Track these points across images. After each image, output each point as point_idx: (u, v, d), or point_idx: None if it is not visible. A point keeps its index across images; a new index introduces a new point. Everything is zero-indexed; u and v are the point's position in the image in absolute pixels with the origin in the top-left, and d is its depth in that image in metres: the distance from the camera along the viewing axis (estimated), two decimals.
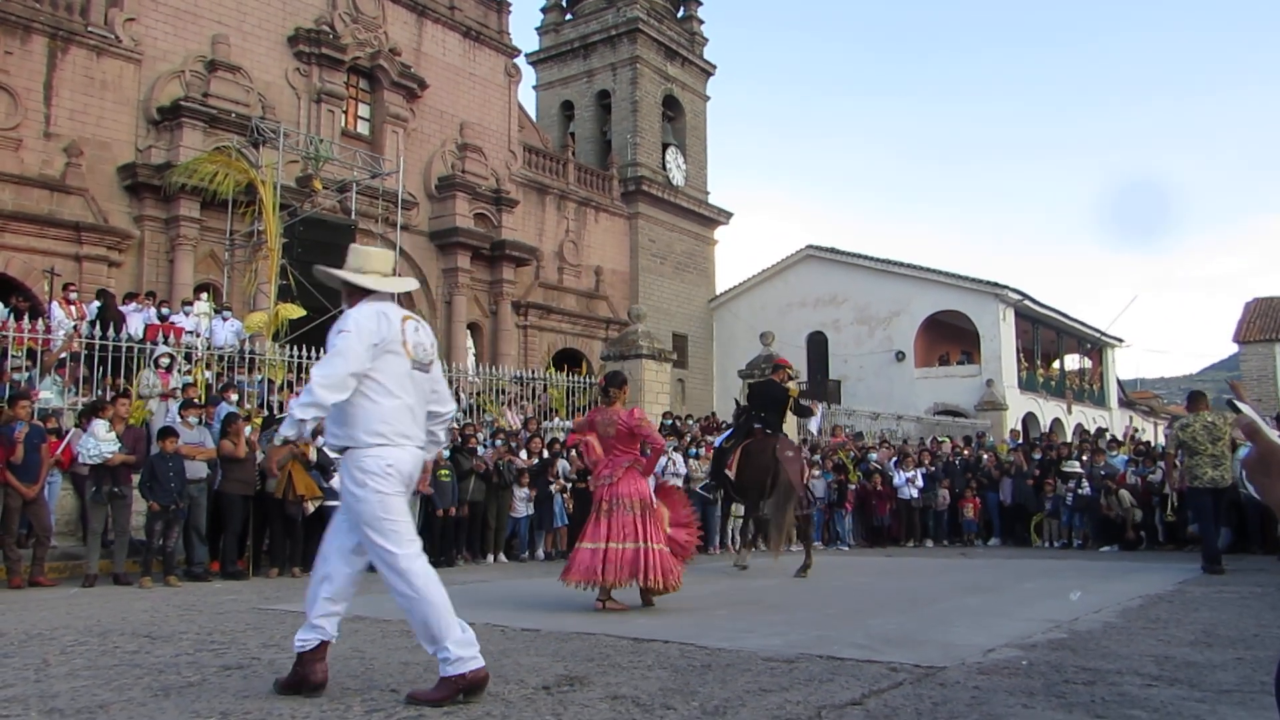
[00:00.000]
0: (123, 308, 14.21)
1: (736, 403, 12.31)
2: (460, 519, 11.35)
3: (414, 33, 24.21)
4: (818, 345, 30.89)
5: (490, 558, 11.75)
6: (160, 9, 19.24)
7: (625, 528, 6.28)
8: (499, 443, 12.37)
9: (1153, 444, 19.06)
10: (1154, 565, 10.52)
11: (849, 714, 3.34)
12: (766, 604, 6.93)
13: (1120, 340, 35.07)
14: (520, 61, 28.07)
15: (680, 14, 33.57)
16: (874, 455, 16.53)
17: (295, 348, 13.16)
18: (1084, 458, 15.26)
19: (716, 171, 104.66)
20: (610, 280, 29.00)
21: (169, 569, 8.88)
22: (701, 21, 33.70)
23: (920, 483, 15.50)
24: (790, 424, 14.27)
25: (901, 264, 30.16)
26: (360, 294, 3.80)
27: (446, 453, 11.33)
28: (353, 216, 20.75)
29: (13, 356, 11.26)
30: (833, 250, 31.65)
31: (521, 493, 12.04)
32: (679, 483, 12.98)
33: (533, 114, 31.29)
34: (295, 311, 15.40)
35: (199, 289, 18.34)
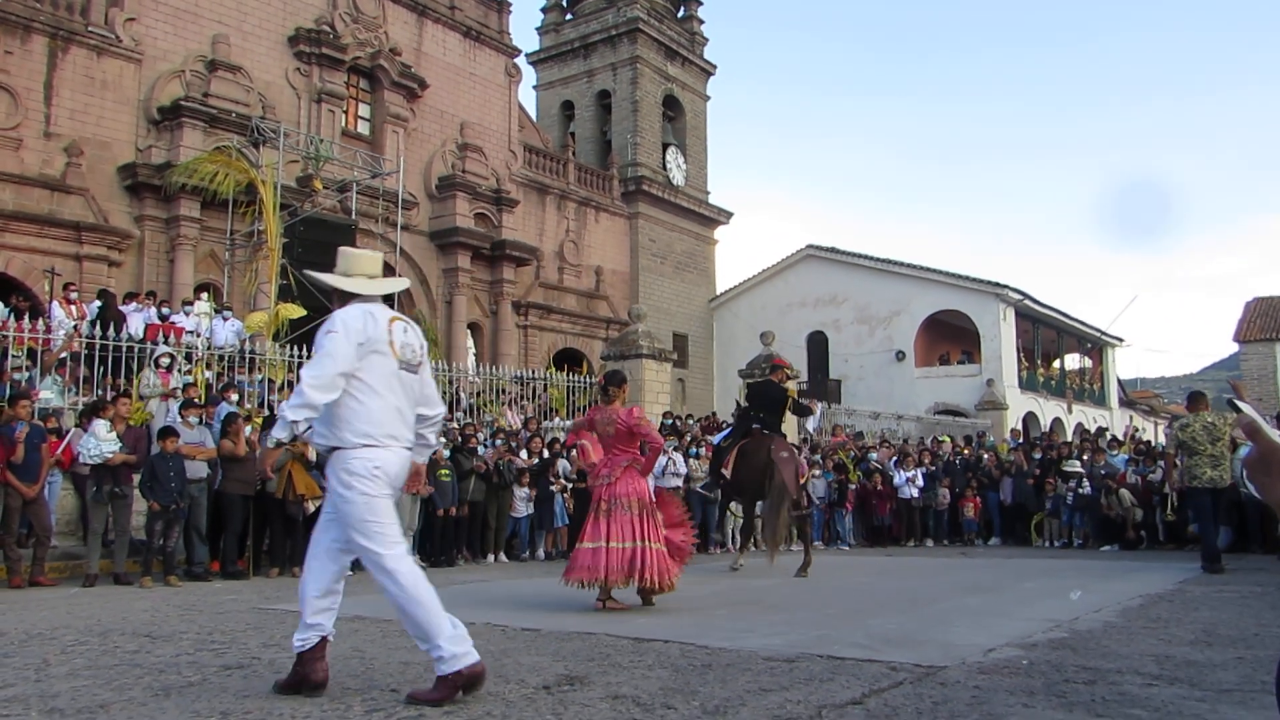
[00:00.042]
0: (123, 307, 14.21)
1: (738, 403, 12.32)
2: (460, 519, 11.35)
3: (414, 33, 24.21)
4: (818, 345, 30.89)
5: (490, 557, 11.75)
6: (160, 9, 19.24)
7: (624, 527, 6.28)
8: (499, 443, 12.37)
9: (1153, 443, 19.05)
10: (1154, 565, 10.52)
11: (849, 713, 3.34)
12: (767, 604, 6.93)
13: (1120, 340, 35.08)
14: (520, 61, 28.08)
15: (680, 14, 33.58)
16: (874, 455, 16.52)
17: (295, 348, 13.16)
18: (1084, 457, 15.25)
19: (716, 171, 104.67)
20: (610, 280, 29.00)
21: (169, 569, 8.88)
22: (701, 21, 33.70)
23: (920, 482, 15.49)
24: (790, 423, 14.28)
25: (902, 264, 30.16)
26: (349, 296, 3.83)
27: (447, 453, 11.35)
28: (353, 216, 20.76)
29: (13, 356, 11.26)
30: (833, 250, 31.65)
31: (522, 492, 12.04)
32: (679, 482, 13.02)
33: (533, 114, 31.29)
34: (295, 311, 15.40)
35: (199, 289, 18.34)
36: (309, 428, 3.69)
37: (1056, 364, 33.33)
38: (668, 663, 4.30)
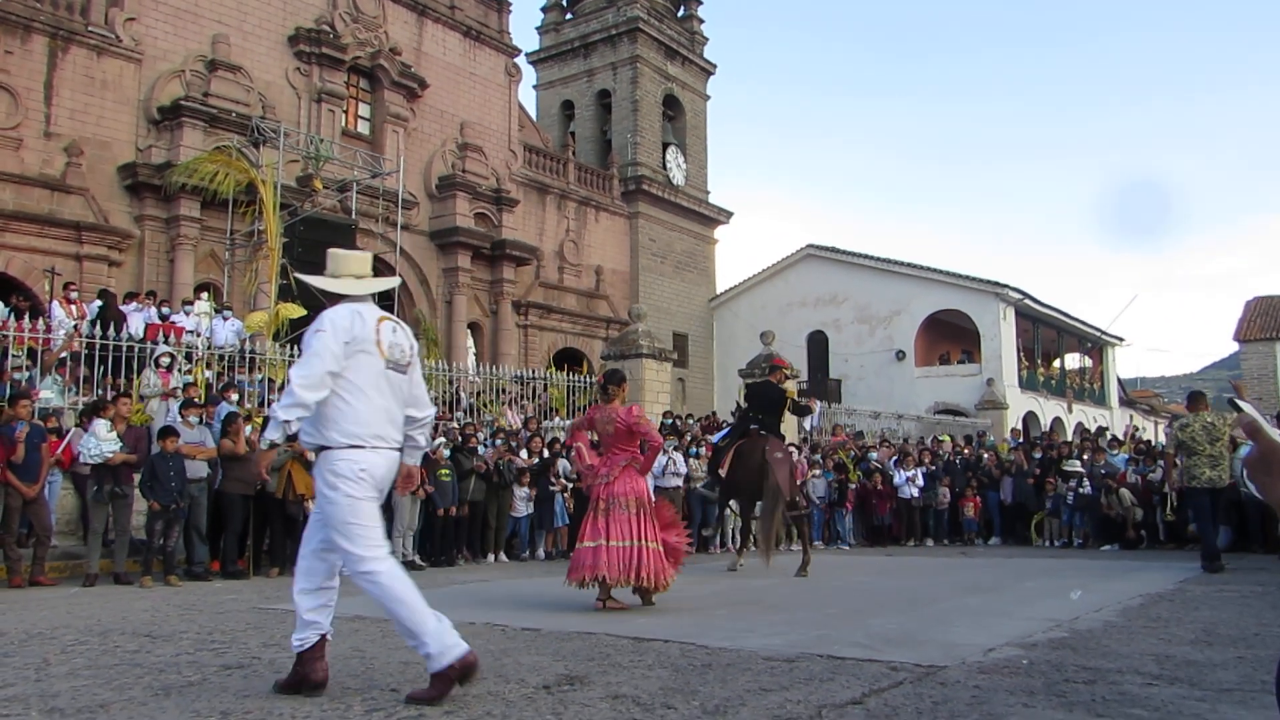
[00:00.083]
0: (123, 307, 14.21)
1: (738, 404, 12.32)
2: (460, 519, 11.35)
3: (414, 32, 24.21)
4: (818, 345, 30.89)
5: (491, 557, 11.75)
6: (160, 9, 19.24)
7: (621, 526, 6.30)
8: (499, 442, 12.37)
9: (1153, 443, 19.05)
10: (1154, 564, 10.52)
11: (849, 713, 3.34)
12: (767, 604, 6.93)
13: (1121, 339, 35.09)
14: (520, 61, 28.08)
15: (680, 13, 33.57)
16: (874, 454, 16.52)
17: (295, 347, 13.16)
18: (1084, 457, 15.24)
19: (716, 171, 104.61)
20: (610, 280, 29.00)
21: (169, 568, 8.88)
22: (702, 21, 33.70)
23: (921, 482, 15.49)
24: (790, 423, 14.29)
25: (902, 263, 30.15)
26: (338, 296, 3.84)
27: (447, 452, 11.35)
28: (353, 216, 20.77)
29: (13, 356, 11.27)
30: (833, 250, 31.65)
31: (522, 492, 12.04)
32: (679, 482, 13.02)
33: (533, 114, 31.29)
34: (295, 311, 15.40)
35: (199, 288, 18.35)
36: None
37: (1056, 363, 33.34)
38: (668, 662, 4.30)
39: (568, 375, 17.50)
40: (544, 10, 33.15)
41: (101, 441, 8.84)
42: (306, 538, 3.81)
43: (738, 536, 11.72)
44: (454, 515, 11.19)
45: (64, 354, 11.66)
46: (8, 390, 9.81)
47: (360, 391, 3.67)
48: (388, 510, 10.28)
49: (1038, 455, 16.32)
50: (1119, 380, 37.35)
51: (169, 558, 8.93)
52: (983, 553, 13.93)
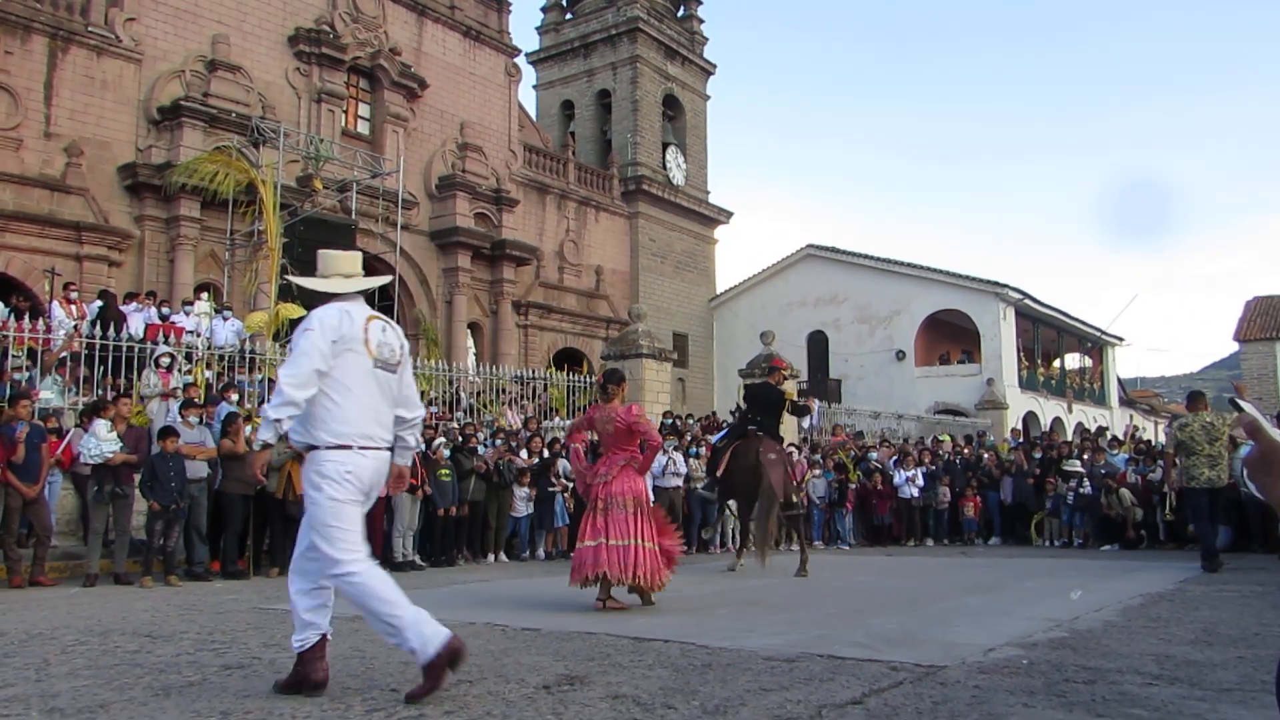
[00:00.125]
0: (123, 307, 14.21)
1: (739, 405, 12.32)
2: (460, 519, 11.35)
3: (414, 32, 24.21)
4: (818, 344, 30.89)
5: (491, 557, 11.75)
6: (160, 9, 19.24)
7: (619, 525, 6.32)
8: (499, 442, 12.38)
9: (1153, 443, 19.05)
10: (1155, 564, 10.52)
11: (850, 713, 3.34)
12: (767, 604, 6.93)
13: (1121, 339, 35.09)
14: (520, 61, 28.08)
15: (680, 13, 33.58)
16: (874, 454, 16.52)
17: None
18: (1084, 456, 15.24)
19: (716, 171, 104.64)
20: (610, 280, 28.99)
21: (170, 568, 8.88)
22: (701, 21, 33.70)
23: (921, 482, 15.49)
24: (790, 423, 14.28)
25: (902, 263, 30.15)
26: (329, 296, 3.85)
27: (447, 452, 11.36)
28: (353, 216, 20.76)
29: (13, 356, 11.27)
30: (833, 249, 31.65)
31: (522, 492, 12.04)
32: (679, 482, 13.02)
33: (533, 114, 31.29)
34: (295, 311, 15.38)
35: (199, 289, 18.34)
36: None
37: (1056, 363, 33.34)
38: (668, 662, 4.30)
39: (568, 375, 17.50)
40: (544, 10, 33.15)
41: (102, 442, 8.84)
42: (300, 538, 3.82)
43: (737, 537, 11.72)
44: (454, 515, 11.19)
45: (64, 354, 11.66)
46: (8, 390, 9.81)
47: (347, 390, 3.67)
48: (388, 510, 10.34)
49: (1038, 455, 16.32)
50: (1119, 380, 37.35)
51: (169, 558, 8.93)
52: (983, 553, 13.93)
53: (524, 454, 12.50)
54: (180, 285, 18.20)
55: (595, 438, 7.86)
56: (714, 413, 21.73)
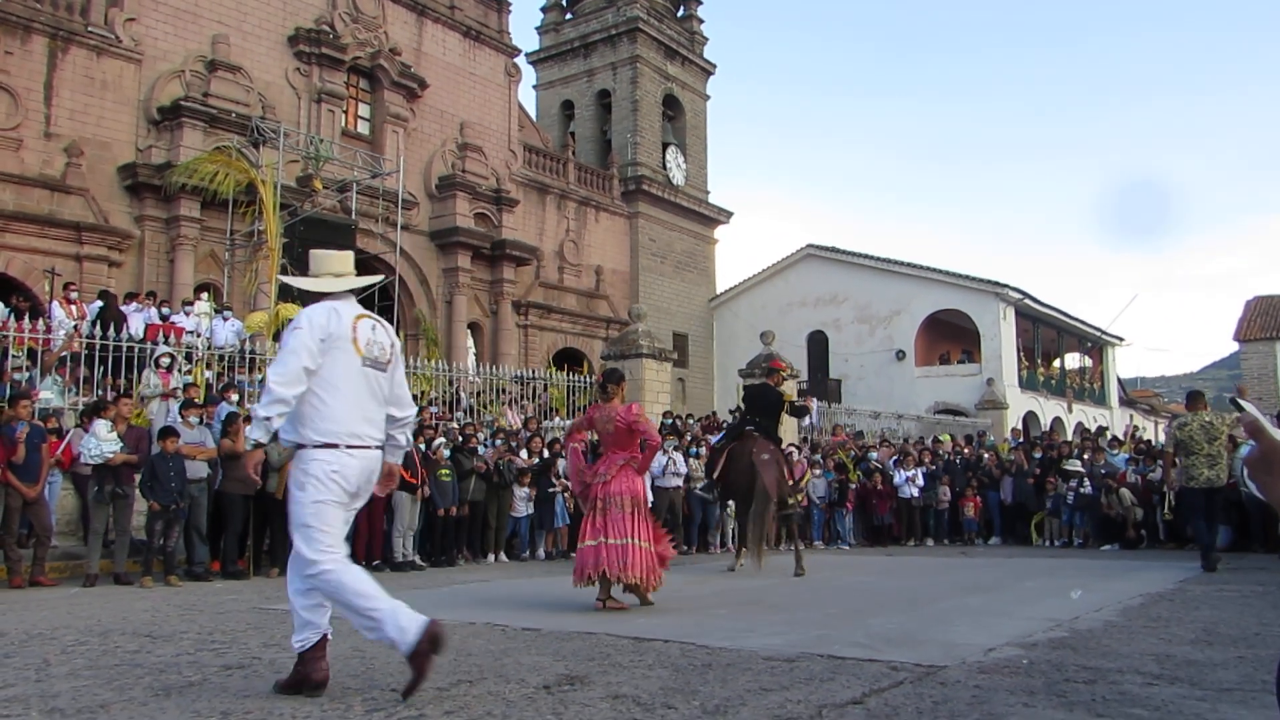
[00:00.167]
0: (123, 308, 14.21)
1: (739, 406, 12.33)
2: (461, 519, 11.35)
3: (414, 32, 24.20)
4: (818, 344, 30.89)
5: (491, 557, 11.75)
6: (160, 9, 19.24)
7: (617, 524, 6.34)
8: (499, 442, 12.38)
9: (1153, 443, 19.05)
10: (1155, 564, 10.52)
11: (850, 713, 3.34)
12: (767, 604, 6.93)
13: (1121, 339, 35.09)
14: (520, 61, 28.08)
15: (680, 13, 33.58)
16: (874, 454, 16.52)
17: None
18: (1085, 456, 15.24)
19: (716, 171, 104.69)
20: (610, 280, 29.00)
21: (170, 569, 8.88)
22: (701, 21, 33.70)
23: (921, 482, 15.49)
24: (789, 424, 14.28)
25: (902, 263, 30.16)
26: (320, 295, 3.86)
27: (447, 453, 11.35)
28: (353, 216, 20.76)
29: (13, 356, 11.27)
30: (833, 249, 31.65)
31: (522, 492, 12.04)
32: (679, 482, 13.02)
33: (533, 114, 31.29)
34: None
35: (199, 289, 18.35)
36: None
37: (1056, 363, 33.34)
38: (668, 662, 4.30)
39: (568, 375, 17.50)
40: (544, 10, 33.15)
41: (102, 442, 8.84)
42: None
43: (736, 537, 11.72)
44: (454, 515, 11.19)
45: (64, 354, 11.66)
46: (8, 390, 9.81)
47: (335, 389, 3.67)
48: (388, 510, 10.34)
49: (1038, 455, 16.32)
50: (1119, 380, 37.35)
51: (169, 558, 8.93)
52: (983, 552, 13.93)
53: (524, 454, 12.51)
54: (180, 285, 18.20)
55: (595, 437, 7.86)
56: (714, 413, 21.73)
